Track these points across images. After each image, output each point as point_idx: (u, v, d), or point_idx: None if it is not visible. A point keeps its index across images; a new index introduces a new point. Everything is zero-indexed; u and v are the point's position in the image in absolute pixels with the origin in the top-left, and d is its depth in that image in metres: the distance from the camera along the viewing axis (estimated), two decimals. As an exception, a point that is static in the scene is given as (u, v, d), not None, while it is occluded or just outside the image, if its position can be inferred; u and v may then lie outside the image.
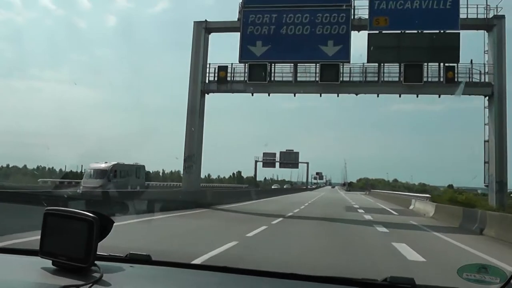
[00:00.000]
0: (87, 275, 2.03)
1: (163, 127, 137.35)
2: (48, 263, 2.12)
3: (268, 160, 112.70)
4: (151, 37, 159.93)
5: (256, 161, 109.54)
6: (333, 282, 2.20)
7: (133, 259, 2.42)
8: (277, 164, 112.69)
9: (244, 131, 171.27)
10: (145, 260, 2.44)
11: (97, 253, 2.12)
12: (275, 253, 10.45)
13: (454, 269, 2.05)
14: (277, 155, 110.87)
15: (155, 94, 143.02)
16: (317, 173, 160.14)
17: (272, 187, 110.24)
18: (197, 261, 7.44)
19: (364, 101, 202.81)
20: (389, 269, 8.56)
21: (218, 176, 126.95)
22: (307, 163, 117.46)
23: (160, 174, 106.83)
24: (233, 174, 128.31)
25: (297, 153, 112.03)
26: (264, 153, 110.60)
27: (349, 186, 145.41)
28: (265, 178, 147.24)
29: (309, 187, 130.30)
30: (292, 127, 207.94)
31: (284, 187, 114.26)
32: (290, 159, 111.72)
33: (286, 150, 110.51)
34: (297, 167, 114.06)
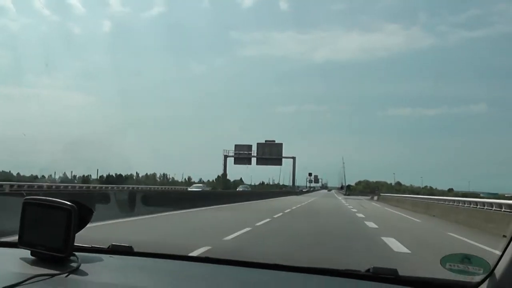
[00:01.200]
0: (64, 265, 2.02)
1: (158, 132, 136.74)
2: (27, 253, 2.11)
3: (241, 155, 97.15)
4: (146, 41, 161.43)
5: (225, 156, 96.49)
6: (316, 273, 2.19)
7: (114, 250, 2.40)
8: (254, 160, 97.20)
9: (240, 135, 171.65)
10: (127, 251, 2.43)
11: (80, 244, 2.13)
12: (261, 246, 10.42)
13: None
14: (254, 148, 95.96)
15: (150, 99, 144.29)
16: (309, 173, 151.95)
17: (238, 188, 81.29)
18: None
19: (360, 105, 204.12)
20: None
21: (200, 179, 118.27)
22: (293, 158, 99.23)
23: (134, 177, 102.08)
24: (218, 176, 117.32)
25: (280, 145, 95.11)
26: (236, 146, 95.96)
27: (347, 190, 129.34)
28: (241, 178, 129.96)
29: (299, 190, 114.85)
30: (288, 131, 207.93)
31: (243, 189, 80.00)
32: (271, 153, 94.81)
33: (266, 141, 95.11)
34: (280, 163, 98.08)
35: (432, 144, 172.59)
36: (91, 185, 45.09)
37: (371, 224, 18.85)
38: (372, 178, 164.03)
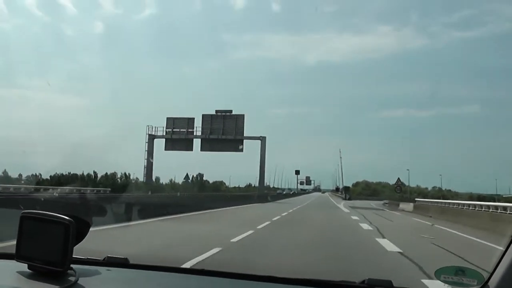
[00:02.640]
0: (62, 279, 2.01)
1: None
2: (24, 267, 2.09)
3: (177, 136, 62.78)
4: (138, 43, 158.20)
5: (150, 137, 63.04)
6: (311, 285, 2.20)
7: (110, 262, 2.40)
8: (197, 144, 63.30)
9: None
10: (122, 263, 2.42)
11: (75, 256, 2.10)
12: (255, 257, 10.27)
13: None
14: (198, 124, 62.84)
15: (143, 101, 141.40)
16: (296, 171, 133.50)
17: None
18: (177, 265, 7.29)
19: (352, 107, 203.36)
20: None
21: (171, 180, 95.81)
22: (261, 138, 63.04)
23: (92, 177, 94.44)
24: (194, 177, 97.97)
25: (240, 118, 62.39)
26: (168, 120, 63.30)
27: (346, 192, 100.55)
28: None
29: (277, 193, 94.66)
30: (280, 133, 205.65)
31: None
32: (227, 131, 61.50)
33: (217, 111, 62.63)
34: (239, 147, 62.44)
35: (426, 145, 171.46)
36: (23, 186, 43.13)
37: None
38: (368, 180, 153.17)
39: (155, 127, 65.07)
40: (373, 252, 11.84)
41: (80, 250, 2.21)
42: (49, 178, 57.02)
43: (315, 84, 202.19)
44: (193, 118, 64.35)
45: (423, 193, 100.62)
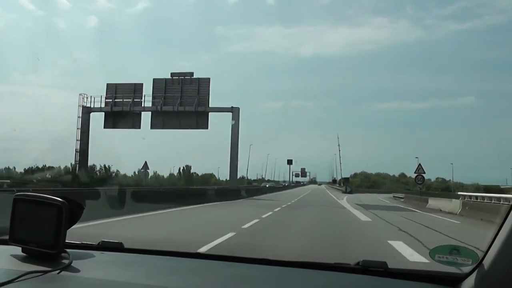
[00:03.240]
0: (56, 262, 2.02)
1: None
2: (18, 250, 2.10)
3: (120, 107, 47.93)
4: (132, 37, 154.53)
5: (84, 110, 49.14)
6: (306, 267, 2.22)
7: (105, 246, 2.40)
8: (147, 120, 48.37)
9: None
10: (117, 247, 2.42)
11: (70, 241, 2.12)
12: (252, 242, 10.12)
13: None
14: (149, 93, 48.14)
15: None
16: (288, 161, 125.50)
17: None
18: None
19: (347, 99, 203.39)
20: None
21: (155, 173, 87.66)
22: (232, 110, 47.96)
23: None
24: (180, 169, 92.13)
25: (205, 82, 48.16)
26: (109, 86, 48.81)
27: (345, 184, 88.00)
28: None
29: (262, 186, 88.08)
30: (276, 126, 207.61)
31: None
32: (186, 100, 46.93)
33: (173, 74, 48.36)
34: (204, 123, 47.81)
35: (421, 137, 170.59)
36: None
37: None
38: (366, 171, 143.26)
39: (92, 98, 49.43)
40: None
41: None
42: (23, 171, 56.00)
43: (310, 77, 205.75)
44: (141, 84, 49.38)
45: (427, 184, 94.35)
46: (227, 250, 8.50)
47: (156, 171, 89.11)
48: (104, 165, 60.54)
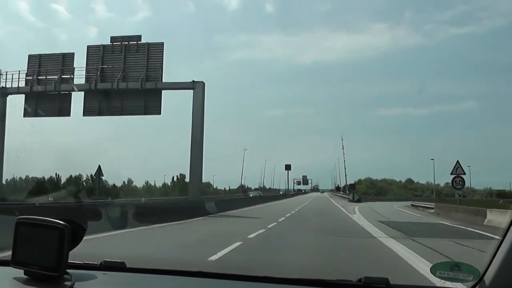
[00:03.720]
0: (58, 284, 2.02)
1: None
2: (20, 272, 2.09)
3: (44, 86, 35.03)
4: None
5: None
6: (307, 284, 2.21)
7: (107, 266, 2.39)
8: (79, 104, 35.42)
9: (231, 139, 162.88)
10: (119, 267, 2.41)
11: (71, 261, 2.10)
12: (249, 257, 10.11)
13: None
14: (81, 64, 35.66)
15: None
16: (286, 166, 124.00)
17: None
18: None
19: (349, 105, 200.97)
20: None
21: (147, 183, 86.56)
22: (194, 84, 34.39)
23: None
24: (174, 178, 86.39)
25: (158, 48, 35.20)
26: (31, 59, 36.11)
27: (352, 192, 76.02)
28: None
29: (245, 195, 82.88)
30: (277, 134, 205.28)
31: None
32: (127, 74, 34.61)
33: (113, 38, 35.47)
34: (152, 107, 34.96)
35: (423, 142, 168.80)
36: None
37: None
38: (372, 177, 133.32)
39: (11, 74, 36.01)
40: None
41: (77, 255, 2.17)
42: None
43: (310, 83, 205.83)
44: (72, 54, 36.39)
45: (436, 190, 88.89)
46: (230, 267, 8.51)
47: (147, 181, 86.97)
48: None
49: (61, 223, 2.04)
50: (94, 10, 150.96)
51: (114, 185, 65.76)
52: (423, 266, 8.88)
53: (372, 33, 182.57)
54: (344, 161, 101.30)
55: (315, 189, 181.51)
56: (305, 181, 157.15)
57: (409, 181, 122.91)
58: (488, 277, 1.86)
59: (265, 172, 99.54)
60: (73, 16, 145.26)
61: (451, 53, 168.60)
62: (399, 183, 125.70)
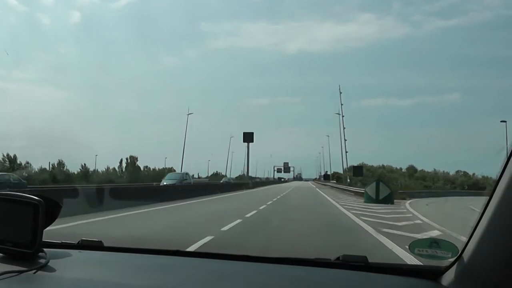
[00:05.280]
0: (33, 261, 1.98)
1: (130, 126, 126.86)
2: None
3: None
4: (116, 33, 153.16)
5: None
6: (286, 263, 2.21)
7: (84, 245, 2.38)
8: None
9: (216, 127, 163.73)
10: (96, 246, 2.40)
11: (48, 240, 2.10)
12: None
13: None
14: None
15: (122, 92, 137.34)
16: (246, 138, 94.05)
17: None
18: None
19: (334, 96, 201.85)
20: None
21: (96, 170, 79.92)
22: None
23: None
24: (123, 160, 78.53)
25: None
26: None
27: (370, 183, 33.93)
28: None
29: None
30: (262, 123, 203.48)
31: None
32: None
33: None
34: None
35: (408, 133, 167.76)
36: None
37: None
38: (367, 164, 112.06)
39: None
40: None
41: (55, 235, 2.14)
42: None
43: (296, 73, 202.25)
44: None
45: (447, 178, 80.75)
46: (210, 248, 8.47)
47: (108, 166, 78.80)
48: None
49: (36, 199, 2.01)
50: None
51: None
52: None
53: (359, 23, 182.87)
54: (345, 139, 77.06)
55: (298, 177, 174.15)
56: (286, 168, 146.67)
57: (411, 168, 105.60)
58: (466, 254, 1.83)
59: (246, 160, 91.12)
60: (55, 0, 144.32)
61: (437, 44, 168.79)
62: (400, 171, 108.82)
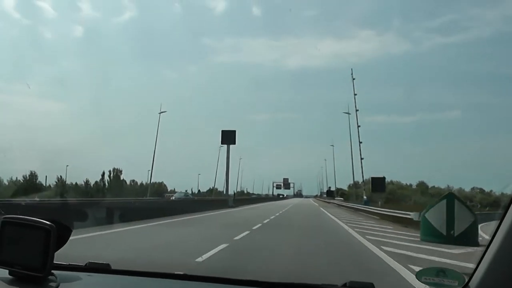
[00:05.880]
0: (43, 285, 2.01)
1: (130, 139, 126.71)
2: (4, 272, 2.08)
3: None
4: (118, 47, 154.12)
5: None
6: None
7: (92, 268, 2.38)
8: None
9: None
10: (104, 269, 2.41)
11: (56, 262, 2.09)
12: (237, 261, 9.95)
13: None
14: None
15: (123, 107, 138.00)
16: (225, 135, 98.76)
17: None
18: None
19: (335, 112, 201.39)
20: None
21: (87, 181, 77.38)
22: None
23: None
24: (105, 174, 74.69)
25: None
26: None
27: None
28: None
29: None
30: (261, 140, 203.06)
31: None
32: None
33: None
34: None
35: (411, 150, 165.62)
36: None
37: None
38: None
39: None
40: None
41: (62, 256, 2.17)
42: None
43: (296, 89, 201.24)
44: None
45: (464, 195, 68.72)
46: (216, 270, 8.45)
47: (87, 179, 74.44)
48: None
49: (48, 224, 2.03)
50: (80, 9, 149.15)
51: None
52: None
53: (359, 39, 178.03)
54: (360, 142, 62.03)
55: (298, 194, 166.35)
56: (286, 184, 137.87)
57: (423, 184, 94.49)
58: (473, 284, 1.85)
59: (238, 175, 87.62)
60: (58, 14, 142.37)
61: (437, 61, 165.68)
62: (410, 187, 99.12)
